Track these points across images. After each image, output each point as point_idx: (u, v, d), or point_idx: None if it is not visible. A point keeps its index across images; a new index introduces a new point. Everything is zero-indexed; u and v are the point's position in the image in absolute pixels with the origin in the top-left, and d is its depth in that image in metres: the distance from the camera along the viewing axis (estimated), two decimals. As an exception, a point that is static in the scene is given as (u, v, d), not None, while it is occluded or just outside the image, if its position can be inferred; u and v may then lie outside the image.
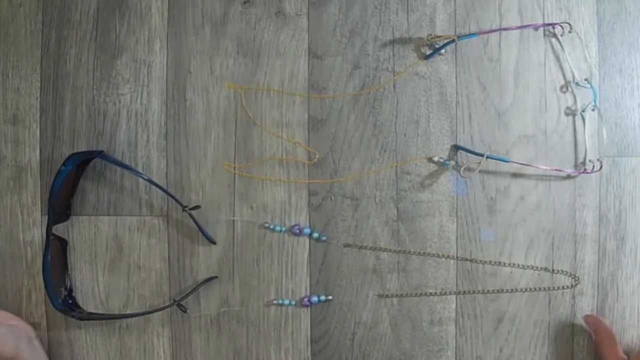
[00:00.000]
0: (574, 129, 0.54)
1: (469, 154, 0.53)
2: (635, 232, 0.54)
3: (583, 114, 0.54)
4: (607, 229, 0.54)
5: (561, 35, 0.54)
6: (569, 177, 0.54)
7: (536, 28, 0.54)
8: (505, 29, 0.54)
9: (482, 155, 0.51)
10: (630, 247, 0.54)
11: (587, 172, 0.53)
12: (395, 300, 0.54)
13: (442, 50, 0.53)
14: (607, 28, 0.54)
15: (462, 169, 0.52)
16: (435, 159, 0.53)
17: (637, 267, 0.54)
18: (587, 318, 0.53)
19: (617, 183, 0.54)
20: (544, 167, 0.53)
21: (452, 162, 0.53)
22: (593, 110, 0.53)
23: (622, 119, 0.54)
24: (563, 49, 0.54)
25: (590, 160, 0.54)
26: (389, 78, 0.54)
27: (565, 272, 0.54)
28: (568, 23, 0.53)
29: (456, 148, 0.54)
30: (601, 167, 0.53)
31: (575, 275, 0.54)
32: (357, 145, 0.54)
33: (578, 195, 0.54)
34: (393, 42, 0.54)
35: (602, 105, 0.54)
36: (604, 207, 0.54)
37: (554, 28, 0.54)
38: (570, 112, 0.54)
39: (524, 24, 0.54)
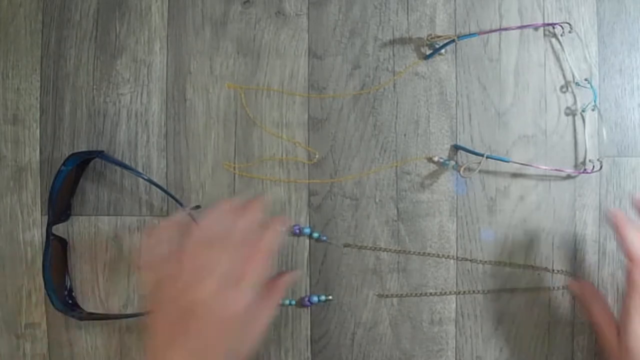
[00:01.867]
0: (574, 129, 0.54)
1: (468, 154, 0.53)
2: (635, 232, 0.54)
3: (583, 114, 0.53)
4: (607, 229, 0.54)
5: (561, 35, 0.54)
6: (569, 177, 0.54)
7: (536, 28, 0.54)
8: (506, 29, 0.54)
9: (482, 155, 0.51)
10: (630, 247, 0.54)
11: (587, 172, 0.53)
12: (395, 300, 0.54)
13: (442, 50, 0.53)
14: (607, 28, 0.54)
15: (462, 168, 0.52)
16: (435, 159, 0.53)
17: (637, 267, 0.54)
18: (571, 286, 0.52)
19: (617, 183, 0.54)
20: (544, 167, 0.53)
21: (452, 162, 0.53)
22: (593, 110, 0.53)
23: (622, 119, 0.54)
24: (563, 49, 0.54)
25: (590, 160, 0.54)
26: (389, 78, 0.54)
27: (565, 272, 0.54)
28: (568, 23, 0.53)
29: (456, 148, 0.54)
30: (601, 167, 0.53)
31: (575, 275, 0.54)
32: (357, 145, 0.54)
33: (578, 195, 0.54)
34: (393, 42, 0.54)
35: (602, 105, 0.54)
36: (604, 207, 0.54)
37: (554, 28, 0.54)
38: (570, 112, 0.54)
39: (524, 24, 0.54)
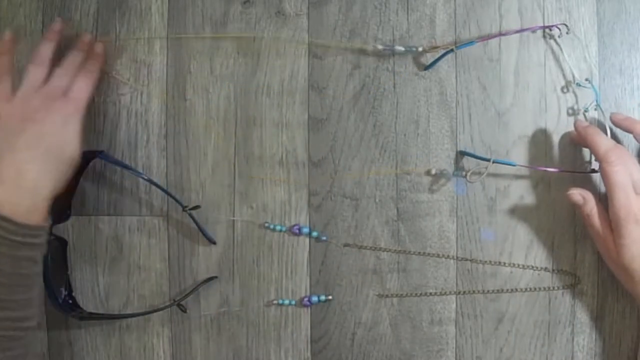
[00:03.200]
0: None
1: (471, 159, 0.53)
2: (635, 232, 0.54)
3: (586, 113, 0.53)
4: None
5: (559, 37, 0.53)
6: (569, 176, 0.54)
7: (535, 30, 0.54)
8: (504, 34, 0.53)
9: (488, 160, 0.51)
10: (630, 247, 0.54)
11: (597, 172, 0.52)
12: (395, 300, 0.54)
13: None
14: (607, 28, 0.54)
15: (469, 173, 0.52)
16: (433, 171, 0.53)
17: (637, 267, 0.54)
18: (571, 195, 0.51)
19: (617, 183, 0.54)
20: (552, 170, 0.52)
21: (457, 171, 0.53)
22: (595, 109, 0.53)
23: (622, 119, 0.54)
24: (562, 50, 0.54)
25: (596, 160, 0.53)
26: (389, 78, 0.54)
27: (565, 272, 0.54)
28: (565, 25, 0.53)
29: (462, 154, 0.53)
30: None
31: (575, 275, 0.54)
32: (357, 145, 0.54)
33: (578, 195, 0.54)
34: (393, 42, 0.54)
35: (602, 105, 0.54)
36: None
37: (551, 30, 0.53)
38: (573, 112, 0.54)
39: (524, 24, 0.54)
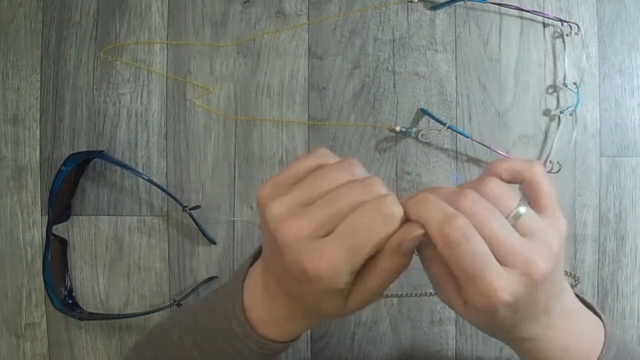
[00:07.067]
0: (572, 129, 0.54)
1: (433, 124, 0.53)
2: (635, 232, 0.54)
3: (561, 115, 0.53)
4: (607, 229, 0.54)
5: (567, 35, 0.53)
6: (570, 175, 0.53)
7: (544, 24, 0.54)
8: (518, 8, 0.53)
9: (444, 124, 0.51)
10: (630, 247, 0.54)
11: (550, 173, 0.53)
12: (395, 300, 0.54)
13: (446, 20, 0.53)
14: (607, 28, 0.54)
15: (420, 133, 0.52)
16: (398, 128, 0.53)
17: (637, 267, 0.54)
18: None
19: (617, 183, 0.54)
20: (503, 153, 0.52)
21: (415, 129, 0.52)
22: (571, 114, 0.53)
23: (622, 119, 0.54)
24: (564, 49, 0.54)
25: (550, 161, 0.53)
26: (389, 78, 0.54)
27: (565, 272, 0.54)
28: (577, 24, 0.53)
29: (422, 112, 0.53)
30: (559, 170, 0.53)
31: (575, 275, 0.54)
32: (357, 145, 0.54)
33: (578, 195, 0.54)
34: (393, 42, 0.54)
35: (602, 105, 0.54)
36: (604, 207, 0.54)
37: (562, 24, 0.53)
38: (547, 112, 0.54)
39: (524, 23, 0.54)
